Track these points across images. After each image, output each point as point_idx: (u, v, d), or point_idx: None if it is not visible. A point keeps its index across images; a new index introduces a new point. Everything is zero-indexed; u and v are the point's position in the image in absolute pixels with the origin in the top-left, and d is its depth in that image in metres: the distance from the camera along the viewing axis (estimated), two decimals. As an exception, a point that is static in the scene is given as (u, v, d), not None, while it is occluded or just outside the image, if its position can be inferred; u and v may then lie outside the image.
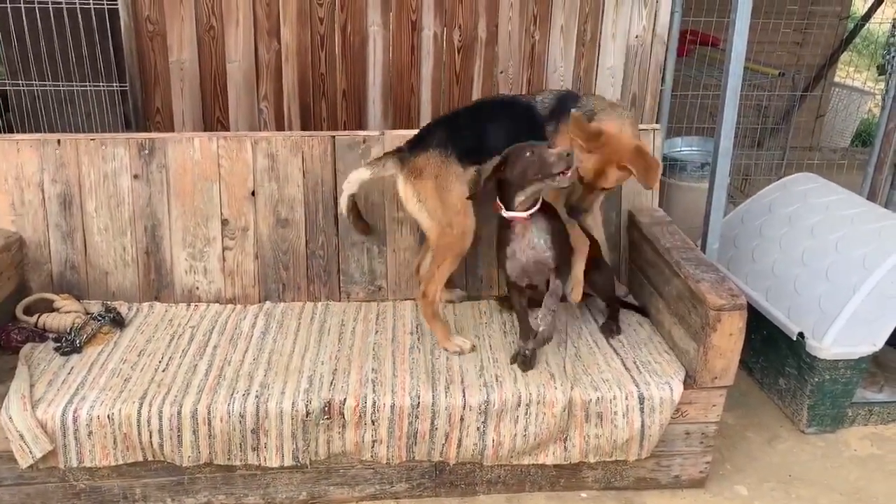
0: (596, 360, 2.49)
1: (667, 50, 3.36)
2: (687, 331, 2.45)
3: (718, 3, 3.81)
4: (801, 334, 2.75)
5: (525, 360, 2.43)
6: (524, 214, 2.37)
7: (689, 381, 2.40)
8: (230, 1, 3.06)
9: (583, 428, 2.35)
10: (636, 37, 3.29)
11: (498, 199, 2.39)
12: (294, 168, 2.80)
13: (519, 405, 2.30)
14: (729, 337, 2.32)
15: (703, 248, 3.00)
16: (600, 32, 3.26)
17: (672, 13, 3.31)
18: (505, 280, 2.57)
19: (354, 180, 2.59)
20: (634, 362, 2.49)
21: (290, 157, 2.80)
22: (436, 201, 2.52)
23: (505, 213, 2.38)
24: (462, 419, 2.29)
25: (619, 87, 3.35)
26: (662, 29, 3.29)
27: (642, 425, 2.35)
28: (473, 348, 2.54)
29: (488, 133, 2.56)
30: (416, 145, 2.57)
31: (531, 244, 2.39)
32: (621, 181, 2.50)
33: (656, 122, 3.35)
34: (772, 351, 2.96)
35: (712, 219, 2.92)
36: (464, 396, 2.29)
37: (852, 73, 6.22)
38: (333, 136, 2.79)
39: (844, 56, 5.91)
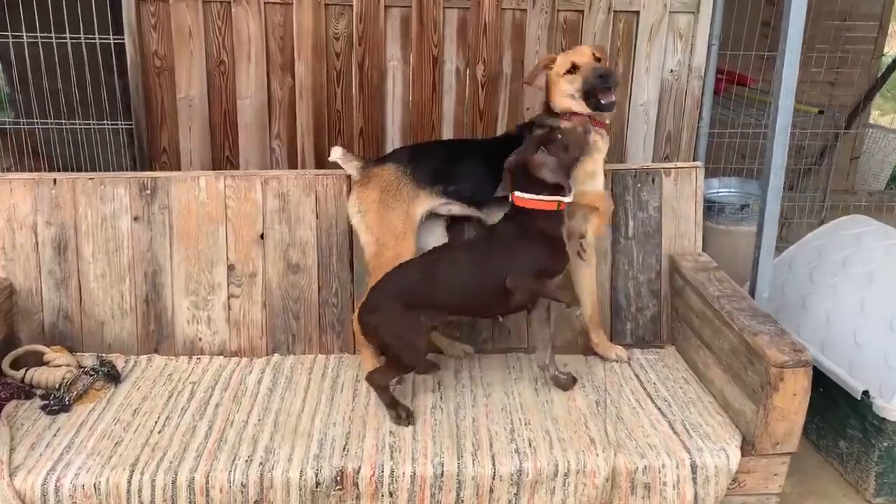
0: (640, 423, 2.23)
1: (703, 85, 3.17)
2: (743, 389, 2.19)
3: (758, 36, 3.63)
4: (865, 393, 2.48)
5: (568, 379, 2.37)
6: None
7: (747, 447, 2.14)
8: (242, 35, 2.91)
9: (628, 501, 2.08)
10: (671, 71, 3.10)
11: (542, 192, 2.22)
12: (307, 209, 2.60)
13: (556, 475, 2.04)
14: (793, 397, 2.06)
15: (752, 296, 2.75)
16: (633, 66, 3.08)
17: (709, 46, 3.11)
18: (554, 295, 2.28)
19: (332, 154, 2.53)
20: (683, 425, 2.22)
21: (302, 197, 2.60)
22: (376, 216, 2.41)
23: (569, 196, 2.24)
24: (491, 490, 2.03)
25: (652, 124, 3.15)
26: (699, 63, 3.10)
27: (695, 498, 2.08)
28: (400, 380, 2.38)
29: (457, 161, 2.46)
30: (380, 158, 2.55)
31: None
32: None
33: (694, 161, 3.14)
34: (830, 410, 2.68)
35: (762, 265, 2.66)
36: (493, 465, 2.04)
37: (877, 116, 6.03)
38: (349, 176, 2.58)
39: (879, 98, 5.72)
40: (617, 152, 3.18)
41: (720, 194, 3.80)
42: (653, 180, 2.70)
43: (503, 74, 3.04)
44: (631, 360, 2.57)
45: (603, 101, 2.35)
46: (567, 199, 2.24)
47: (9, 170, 3.32)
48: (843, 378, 2.57)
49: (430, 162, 2.43)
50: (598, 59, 2.40)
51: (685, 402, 2.34)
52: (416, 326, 2.21)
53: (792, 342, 2.11)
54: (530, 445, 2.11)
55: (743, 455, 2.11)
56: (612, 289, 2.70)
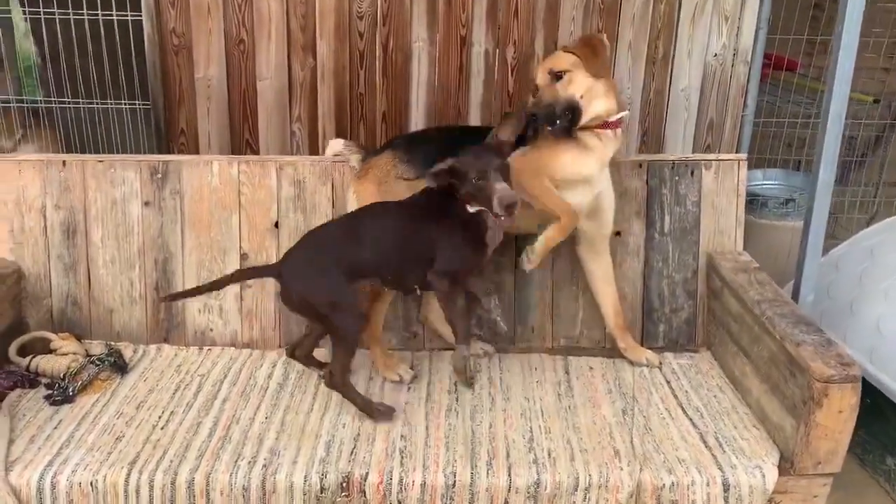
0: (669, 434, 2.08)
1: (749, 71, 2.96)
2: (782, 403, 2.03)
3: (810, 20, 3.40)
4: (918, 407, 2.30)
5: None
6: None
7: (785, 465, 1.97)
8: (262, 12, 2.78)
9: (653, 519, 1.94)
10: (715, 55, 2.90)
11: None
12: (322, 197, 2.48)
13: (576, 489, 1.91)
14: (838, 415, 1.89)
15: (795, 300, 2.57)
16: (674, 50, 2.89)
17: (757, 29, 2.91)
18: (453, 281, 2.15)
19: (331, 148, 2.51)
20: (716, 438, 2.07)
21: (318, 184, 2.48)
22: None
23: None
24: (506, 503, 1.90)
25: (694, 112, 2.96)
26: (745, 47, 2.90)
27: (727, 519, 1.93)
28: (414, 378, 2.31)
29: (457, 148, 2.21)
30: (379, 148, 2.44)
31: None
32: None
33: (737, 152, 2.95)
34: (877, 423, 2.50)
35: (807, 266, 2.48)
36: (509, 476, 1.91)
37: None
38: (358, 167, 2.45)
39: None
40: (655, 141, 3.00)
41: (763, 187, 3.60)
42: (692, 173, 2.52)
43: (535, 57, 2.87)
44: (662, 365, 2.41)
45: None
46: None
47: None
48: (894, 390, 2.39)
49: (428, 150, 2.26)
50: (558, 76, 2.18)
51: (719, 413, 2.18)
52: (347, 287, 2.10)
53: (839, 354, 1.94)
54: (550, 456, 1.97)
55: (780, 474, 1.95)
56: (644, 288, 2.54)
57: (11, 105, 3.12)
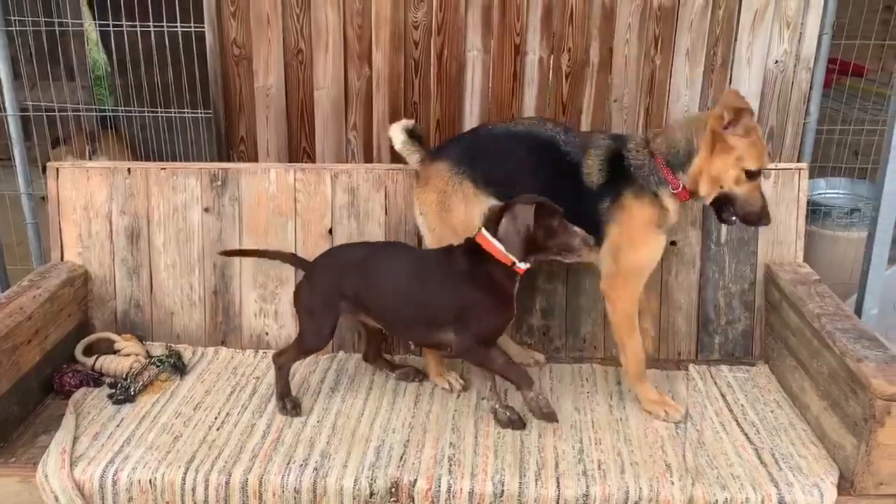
0: (723, 449, 2.04)
1: (812, 77, 2.89)
2: (842, 420, 1.96)
3: (881, 24, 3.29)
4: None
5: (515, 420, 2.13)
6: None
7: (845, 485, 1.91)
8: (319, 23, 2.84)
9: (705, 536, 1.90)
10: (776, 62, 2.84)
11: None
12: (376, 204, 2.51)
13: (626, 502, 1.88)
14: (902, 434, 1.83)
15: (858, 313, 2.49)
16: (733, 56, 2.83)
17: (820, 35, 2.83)
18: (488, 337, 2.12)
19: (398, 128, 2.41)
20: (772, 454, 2.02)
21: (371, 191, 2.51)
22: (436, 217, 2.29)
23: (525, 265, 2.09)
24: (554, 514, 1.90)
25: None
26: (808, 53, 2.83)
27: (782, 538, 1.88)
28: (464, 387, 2.31)
29: (515, 164, 2.25)
30: (438, 150, 2.40)
31: None
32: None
33: (799, 161, 2.88)
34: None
35: (871, 278, 2.41)
36: (558, 487, 1.90)
37: None
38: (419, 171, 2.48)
39: None
40: (712, 149, 2.95)
41: (827, 196, 3.49)
42: (749, 182, 2.46)
43: (590, 64, 2.86)
44: (717, 378, 2.36)
45: (725, 220, 2.18)
46: (522, 266, 2.07)
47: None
48: (964, 410, 2.28)
49: (485, 162, 2.26)
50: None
51: (776, 429, 2.12)
52: (330, 308, 2.19)
53: (903, 371, 1.87)
54: (599, 468, 1.95)
55: (840, 494, 1.89)
56: (699, 299, 2.49)
57: (82, 114, 3.25)
